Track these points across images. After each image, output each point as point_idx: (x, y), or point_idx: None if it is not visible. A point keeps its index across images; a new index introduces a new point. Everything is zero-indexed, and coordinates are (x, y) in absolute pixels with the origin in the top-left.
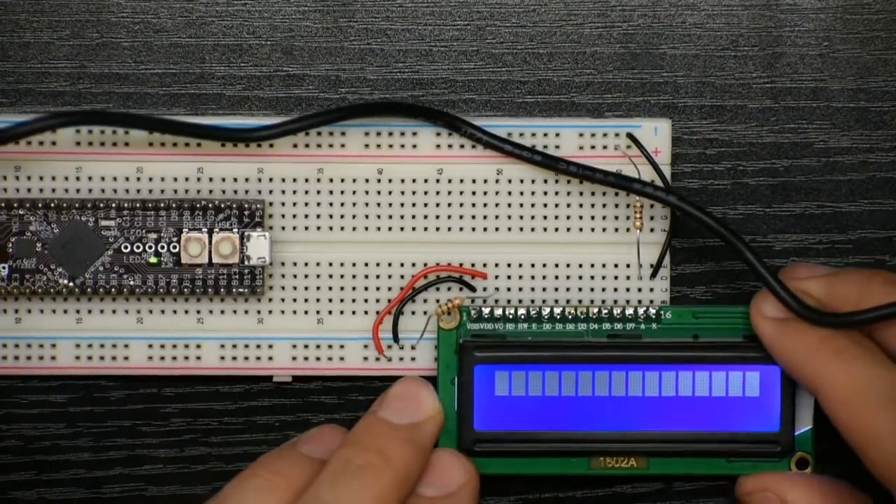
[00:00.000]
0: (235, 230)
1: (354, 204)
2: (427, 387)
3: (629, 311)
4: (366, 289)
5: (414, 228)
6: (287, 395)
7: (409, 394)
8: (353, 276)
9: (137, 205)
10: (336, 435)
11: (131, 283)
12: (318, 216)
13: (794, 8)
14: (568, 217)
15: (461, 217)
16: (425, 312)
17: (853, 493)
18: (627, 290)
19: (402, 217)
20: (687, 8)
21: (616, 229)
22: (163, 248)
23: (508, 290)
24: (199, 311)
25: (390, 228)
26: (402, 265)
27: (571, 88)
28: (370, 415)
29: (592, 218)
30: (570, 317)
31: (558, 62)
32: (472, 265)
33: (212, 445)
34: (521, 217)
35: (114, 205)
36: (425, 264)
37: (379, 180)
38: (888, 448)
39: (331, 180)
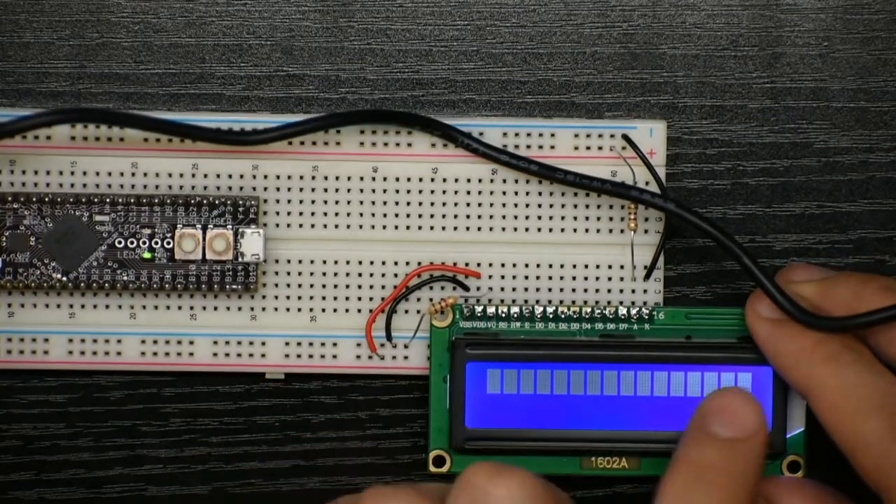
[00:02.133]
0: (230, 227)
1: (349, 202)
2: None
3: (622, 311)
4: (359, 287)
5: (408, 227)
6: (287, 395)
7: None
8: (347, 275)
9: (132, 200)
10: None
11: (125, 278)
12: (313, 214)
13: (794, 8)
14: (562, 217)
15: (455, 216)
16: (418, 311)
17: (842, 500)
18: (621, 291)
19: (396, 216)
20: (687, 8)
21: (610, 230)
22: (157, 243)
23: (502, 289)
24: (192, 308)
25: (384, 227)
26: (395, 264)
27: (571, 88)
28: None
29: (587, 219)
30: (562, 316)
31: (558, 62)
32: (466, 264)
33: (212, 445)
34: (516, 217)
35: (108, 200)
36: (419, 263)
37: (374, 179)
38: (877, 453)
39: (325, 178)
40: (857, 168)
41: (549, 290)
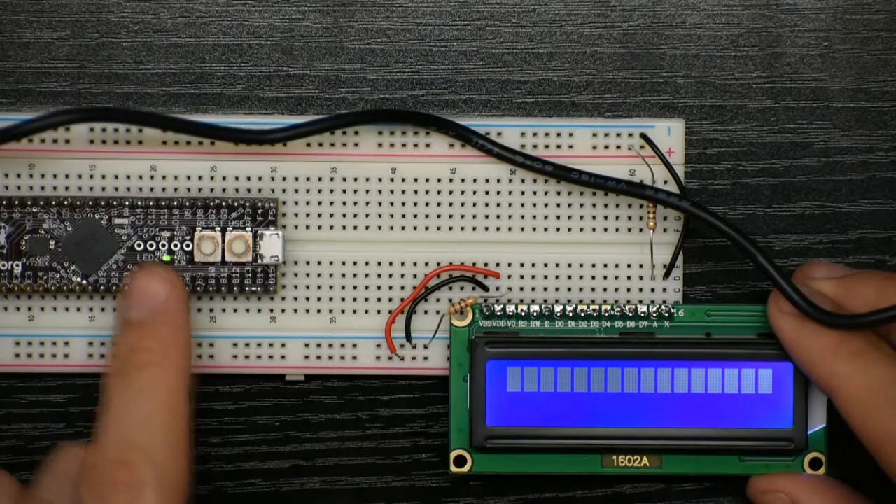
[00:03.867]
0: (249, 229)
1: (368, 203)
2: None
3: (642, 309)
4: (378, 288)
5: (427, 228)
6: (287, 395)
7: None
8: (366, 276)
9: (151, 203)
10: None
11: None
12: (332, 215)
13: (794, 8)
14: (581, 217)
15: (474, 216)
16: (438, 312)
17: (864, 500)
18: (640, 290)
19: (415, 216)
20: (687, 8)
21: (629, 229)
22: (176, 246)
23: (521, 289)
24: (211, 310)
25: (403, 228)
26: (415, 264)
27: (571, 88)
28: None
29: (605, 218)
30: (582, 315)
31: (558, 62)
32: (486, 265)
33: (212, 445)
34: (535, 217)
35: (127, 203)
36: (438, 263)
37: (392, 179)
38: None
39: (344, 179)
40: (857, 168)
41: (569, 289)
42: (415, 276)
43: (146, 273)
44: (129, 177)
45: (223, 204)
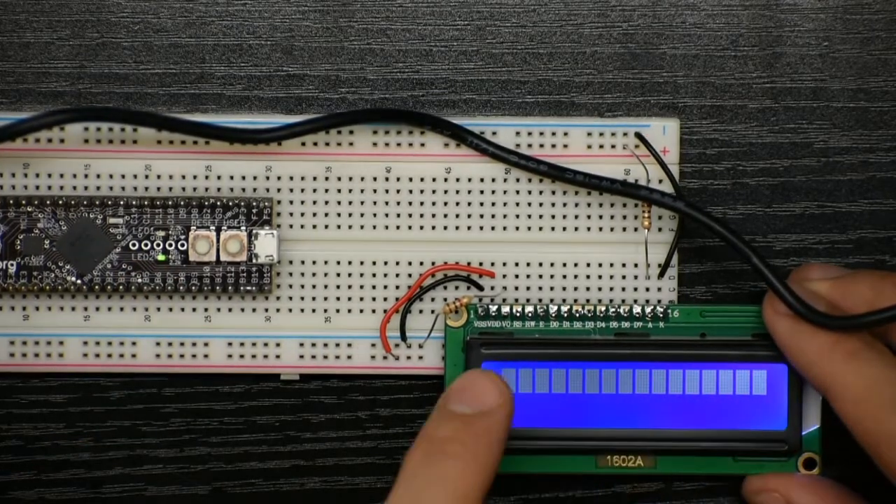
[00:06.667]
0: (243, 228)
1: (362, 202)
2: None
3: (636, 309)
4: (373, 287)
5: (422, 227)
6: (287, 395)
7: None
8: (361, 275)
9: (146, 202)
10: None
11: (139, 280)
12: (326, 214)
13: (794, 8)
14: (576, 216)
15: (469, 216)
16: (433, 311)
17: (856, 498)
18: (635, 289)
19: (409, 216)
20: (687, 8)
21: (624, 228)
22: (171, 245)
23: (516, 289)
24: (206, 310)
25: (398, 227)
26: (409, 264)
27: (571, 88)
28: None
29: (601, 217)
30: (577, 315)
31: (558, 62)
32: (480, 264)
33: (212, 445)
34: (529, 216)
35: (122, 202)
36: (433, 263)
37: (387, 179)
38: None
39: (339, 179)
40: (857, 168)
41: (564, 288)
42: (409, 275)
43: (482, 375)
44: (123, 176)
45: (218, 203)
